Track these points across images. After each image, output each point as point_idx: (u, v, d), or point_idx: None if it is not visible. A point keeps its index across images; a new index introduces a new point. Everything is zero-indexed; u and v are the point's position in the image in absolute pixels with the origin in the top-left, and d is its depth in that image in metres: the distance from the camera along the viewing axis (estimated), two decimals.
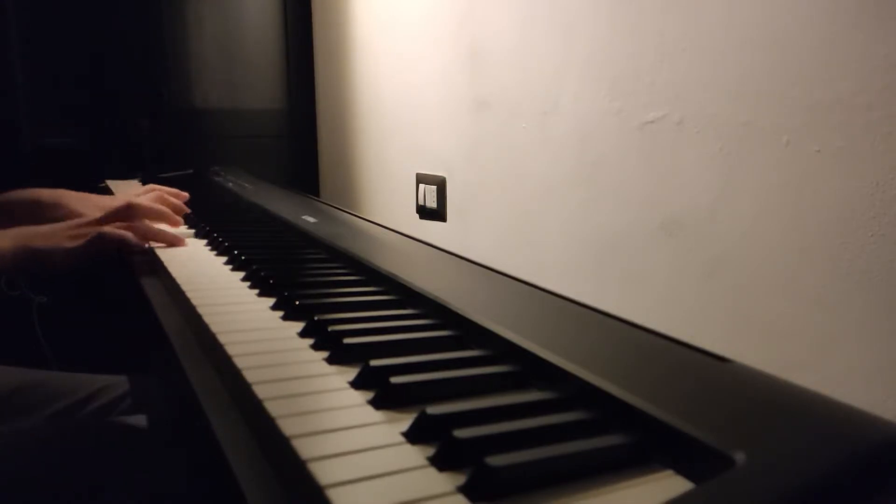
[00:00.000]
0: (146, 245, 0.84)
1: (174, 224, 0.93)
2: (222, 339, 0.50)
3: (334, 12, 1.72)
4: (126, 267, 0.82)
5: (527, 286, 0.60)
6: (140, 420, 0.82)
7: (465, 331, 0.51)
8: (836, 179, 0.74)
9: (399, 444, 0.35)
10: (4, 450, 0.66)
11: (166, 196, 1.01)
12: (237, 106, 1.75)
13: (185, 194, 1.06)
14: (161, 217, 0.91)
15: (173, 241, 0.84)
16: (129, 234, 0.81)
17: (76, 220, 0.84)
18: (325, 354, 0.48)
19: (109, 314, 1.44)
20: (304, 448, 0.34)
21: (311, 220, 0.95)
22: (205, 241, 0.88)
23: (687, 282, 0.91)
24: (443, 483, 0.32)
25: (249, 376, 0.43)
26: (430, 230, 1.42)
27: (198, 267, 0.75)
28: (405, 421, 0.37)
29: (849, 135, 0.73)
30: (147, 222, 0.86)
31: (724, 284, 0.86)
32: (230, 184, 1.36)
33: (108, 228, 0.81)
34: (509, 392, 0.42)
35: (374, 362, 0.43)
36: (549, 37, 1.09)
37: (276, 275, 0.66)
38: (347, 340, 0.48)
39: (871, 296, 0.72)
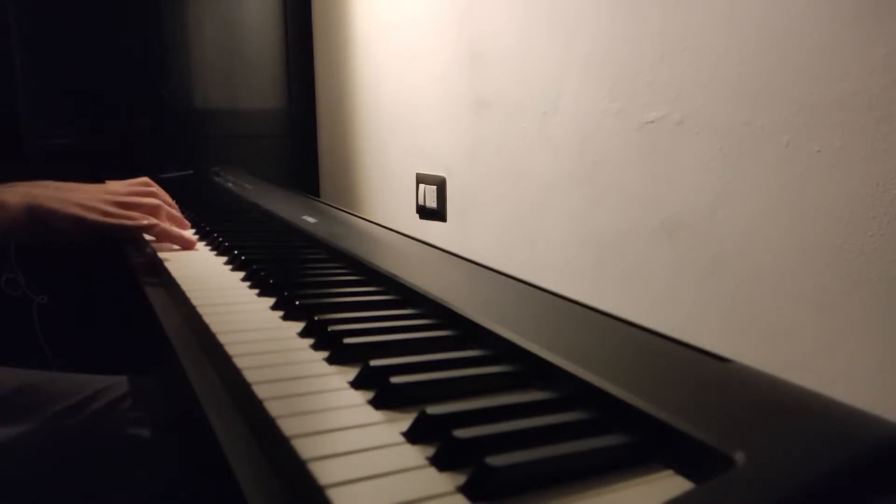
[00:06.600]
0: (155, 245, 0.83)
1: (184, 227, 0.91)
2: (222, 339, 0.50)
3: (334, 12, 1.72)
4: (126, 267, 0.82)
5: (527, 286, 0.60)
6: (140, 420, 0.82)
7: (465, 331, 0.51)
8: (837, 179, 0.74)
9: (399, 444, 0.35)
10: (5, 451, 0.66)
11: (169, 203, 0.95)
12: (237, 106, 1.75)
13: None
14: (173, 219, 0.89)
15: (187, 245, 0.84)
16: (148, 224, 0.80)
17: (93, 190, 0.81)
18: (325, 354, 0.48)
19: (109, 314, 1.44)
20: (304, 448, 0.34)
21: (311, 220, 0.94)
22: (205, 241, 0.88)
23: (687, 282, 0.91)
24: (443, 483, 0.32)
25: (249, 376, 0.43)
26: (430, 230, 1.42)
27: (198, 267, 0.75)
28: (405, 421, 0.37)
29: (849, 135, 0.73)
30: (167, 226, 0.84)
31: (724, 284, 0.86)
32: (230, 184, 1.36)
33: (129, 221, 0.78)
34: (509, 392, 0.42)
35: (374, 362, 0.43)
36: (549, 37, 1.09)
37: (276, 275, 0.66)
38: (347, 340, 0.48)
39: (871, 296, 0.72)
